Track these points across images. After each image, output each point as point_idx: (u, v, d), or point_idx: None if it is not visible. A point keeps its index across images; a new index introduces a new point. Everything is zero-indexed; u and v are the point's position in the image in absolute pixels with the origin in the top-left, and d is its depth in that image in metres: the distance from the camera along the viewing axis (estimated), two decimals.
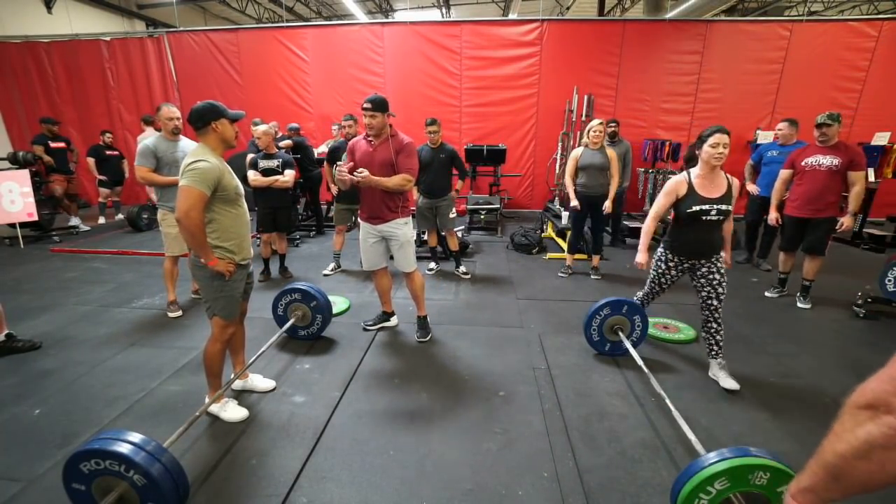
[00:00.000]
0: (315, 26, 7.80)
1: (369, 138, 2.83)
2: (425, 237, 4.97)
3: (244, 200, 2.20)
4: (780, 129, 4.42)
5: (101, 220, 7.13)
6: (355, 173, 2.63)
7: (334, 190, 4.76)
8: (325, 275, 4.53)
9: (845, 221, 3.49)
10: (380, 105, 2.70)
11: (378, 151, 2.79)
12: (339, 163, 4.33)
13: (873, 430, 0.66)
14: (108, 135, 6.98)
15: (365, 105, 2.69)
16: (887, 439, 0.65)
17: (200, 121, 2.02)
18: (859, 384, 0.71)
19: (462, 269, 4.58)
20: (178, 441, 1.84)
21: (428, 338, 3.15)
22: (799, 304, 3.80)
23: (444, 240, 4.71)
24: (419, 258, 4.49)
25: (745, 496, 1.45)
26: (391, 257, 3.10)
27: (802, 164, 3.61)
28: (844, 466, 0.70)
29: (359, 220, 3.09)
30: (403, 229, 2.95)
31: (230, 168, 2.12)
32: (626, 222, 6.06)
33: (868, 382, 0.70)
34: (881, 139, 6.08)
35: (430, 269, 4.68)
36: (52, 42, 7.95)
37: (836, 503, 0.76)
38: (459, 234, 5.10)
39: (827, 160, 3.48)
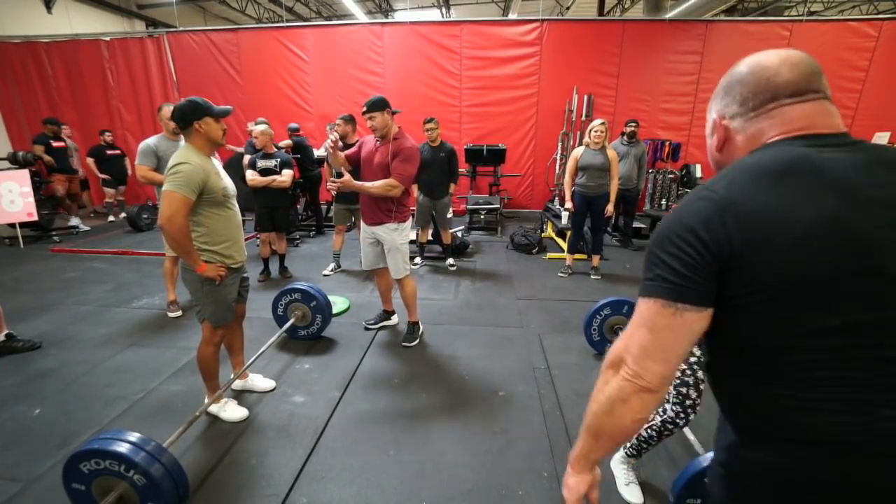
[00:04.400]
0: (315, 26, 7.80)
1: (377, 139, 2.83)
2: (414, 235, 4.97)
3: (235, 202, 2.14)
4: None
5: (111, 218, 7.30)
6: (333, 179, 2.70)
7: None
8: (325, 275, 4.53)
9: None
10: (374, 105, 2.67)
11: (378, 152, 2.78)
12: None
13: (613, 385, 0.72)
14: (107, 134, 7.00)
15: (363, 109, 2.70)
16: (620, 391, 0.71)
17: (183, 121, 1.94)
18: None
19: (450, 261, 4.70)
20: (177, 441, 1.84)
21: (413, 343, 3.06)
22: None
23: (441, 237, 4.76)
24: None
25: None
26: None
27: None
28: (598, 424, 0.76)
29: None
30: (392, 235, 2.89)
31: (218, 169, 2.06)
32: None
33: (613, 345, 0.76)
34: (881, 139, 6.08)
35: (416, 265, 4.66)
36: (52, 42, 7.94)
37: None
38: (459, 234, 5.11)
39: None
